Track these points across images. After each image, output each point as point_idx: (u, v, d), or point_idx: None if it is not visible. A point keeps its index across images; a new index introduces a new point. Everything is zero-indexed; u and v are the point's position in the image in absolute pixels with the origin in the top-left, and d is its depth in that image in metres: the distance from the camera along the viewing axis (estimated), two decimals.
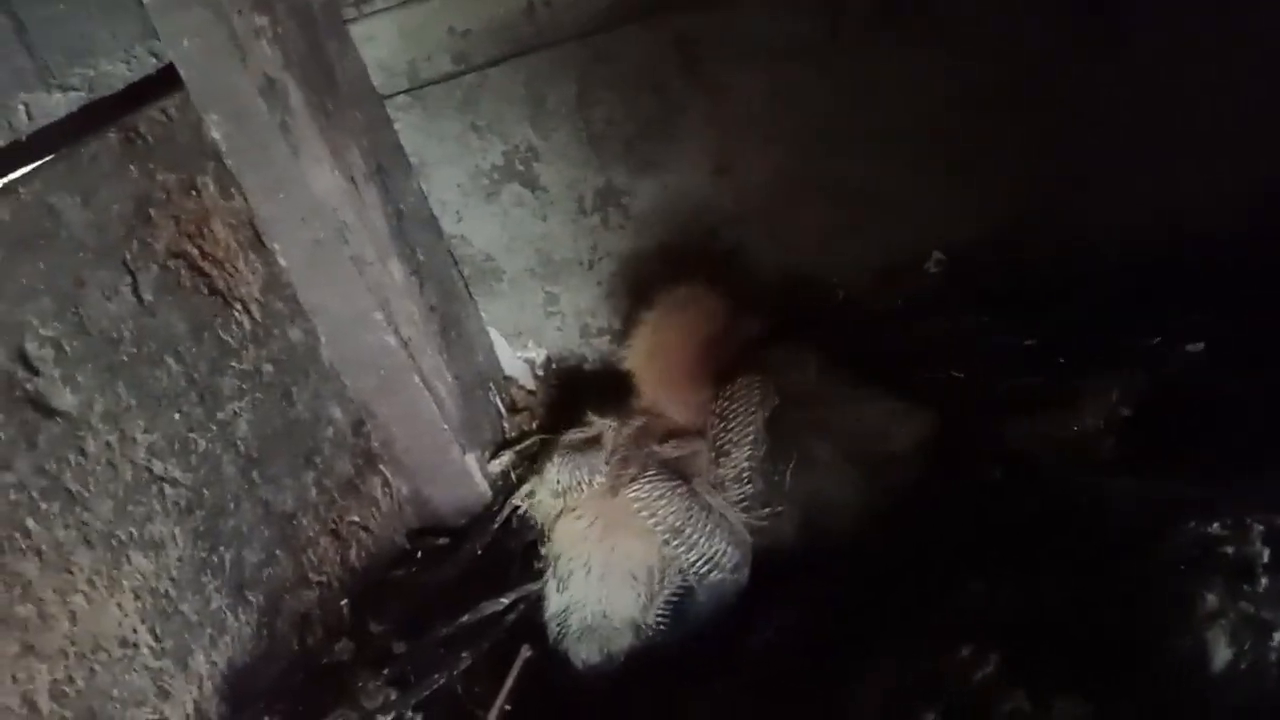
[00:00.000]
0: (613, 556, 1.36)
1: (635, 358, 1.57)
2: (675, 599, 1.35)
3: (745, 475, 1.38)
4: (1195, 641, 1.07)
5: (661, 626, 1.35)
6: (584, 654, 1.36)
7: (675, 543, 1.35)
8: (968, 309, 1.70)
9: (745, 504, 1.38)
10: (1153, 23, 1.50)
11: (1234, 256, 1.52)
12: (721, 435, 1.41)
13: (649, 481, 1.38)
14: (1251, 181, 1.56)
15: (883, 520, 1.36)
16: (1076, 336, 1.57)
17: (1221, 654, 1.06)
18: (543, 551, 1.49)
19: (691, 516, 1.36)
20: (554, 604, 1.39)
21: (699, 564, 1.34)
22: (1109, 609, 1.16)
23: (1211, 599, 1.09)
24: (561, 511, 1.45)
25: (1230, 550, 1.12)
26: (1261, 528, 1.13)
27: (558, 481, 1.47)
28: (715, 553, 1.35)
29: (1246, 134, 1.53)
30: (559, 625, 1.38)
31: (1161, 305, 1.54)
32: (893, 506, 1.37)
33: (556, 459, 1.51)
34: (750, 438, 1.39)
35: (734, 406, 1.42)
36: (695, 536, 1.35)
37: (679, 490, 1.38)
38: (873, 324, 1.75)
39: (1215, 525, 1.15)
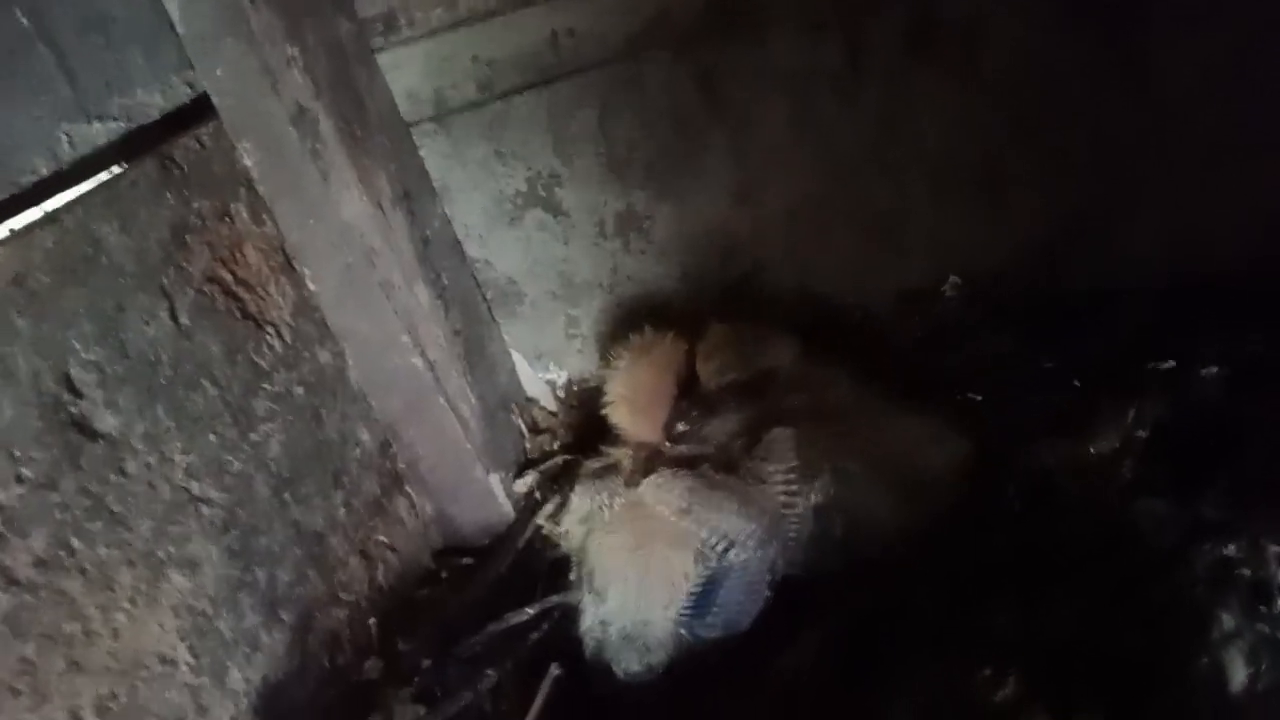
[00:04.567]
0: (650, 565, 1.38)
1: (616, 405, 1.62)
2: (699, 587, 1.36)
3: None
4: (1213, 662, 1.09)
5: (686, 615, 1.35)
6: (625, 663, 1.37)
7: (685, 523, 1.37)
8: (986, 333, 1.73)
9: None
10: (1174, 56, 1.53)
11: (1255, 280, 1.54)
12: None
13: (657, 475, 1.44)
14: (1273, 207, 1.59)
15: (914, 538, 1.38)
16: (1095, 360, 1.60)
17: (1239, 674, 1.08)
18: (573, 573, 1.52)
19: (697, 494, 1.40)
20: (590, 617, 1.41)
21: (713, 541, 1.36)
22: (1129, 629, 1.18)
23: (1228, 620, 1.11)
24: (589, 533, 1.48)
25: (1247, 573, 1.15)
26: (1277, 550, 1.15)
27: (581, 509, 1.52)
28: (730, 529, 1.36)
29: (1267, 161, 1.56)
30: (597, 638, 1.40)
31: (1183, 329, 1.56)
32: (924, 525, 1.39)
33: (578, 488, 1.56)
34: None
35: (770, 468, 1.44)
36: (704, 512, 1.38)
37: (681, 474, 1.44)
38: (892, 347, 1.78)
39: (1232, 548, 1.18)
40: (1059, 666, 1.17)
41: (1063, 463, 1.45)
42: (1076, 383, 1.57)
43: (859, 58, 1.62)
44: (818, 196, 1.74)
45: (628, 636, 1.37)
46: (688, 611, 1.36)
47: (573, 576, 1.52)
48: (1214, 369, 1.46)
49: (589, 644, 1.41)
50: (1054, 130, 1.63)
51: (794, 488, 1.40)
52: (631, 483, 1.48)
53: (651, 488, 1.44)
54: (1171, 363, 1.51)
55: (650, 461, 1.51)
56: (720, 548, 1.36)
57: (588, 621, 1.42)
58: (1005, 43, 1.57)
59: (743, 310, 1.74)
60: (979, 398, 1.62)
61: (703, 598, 1.36)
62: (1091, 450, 1.43)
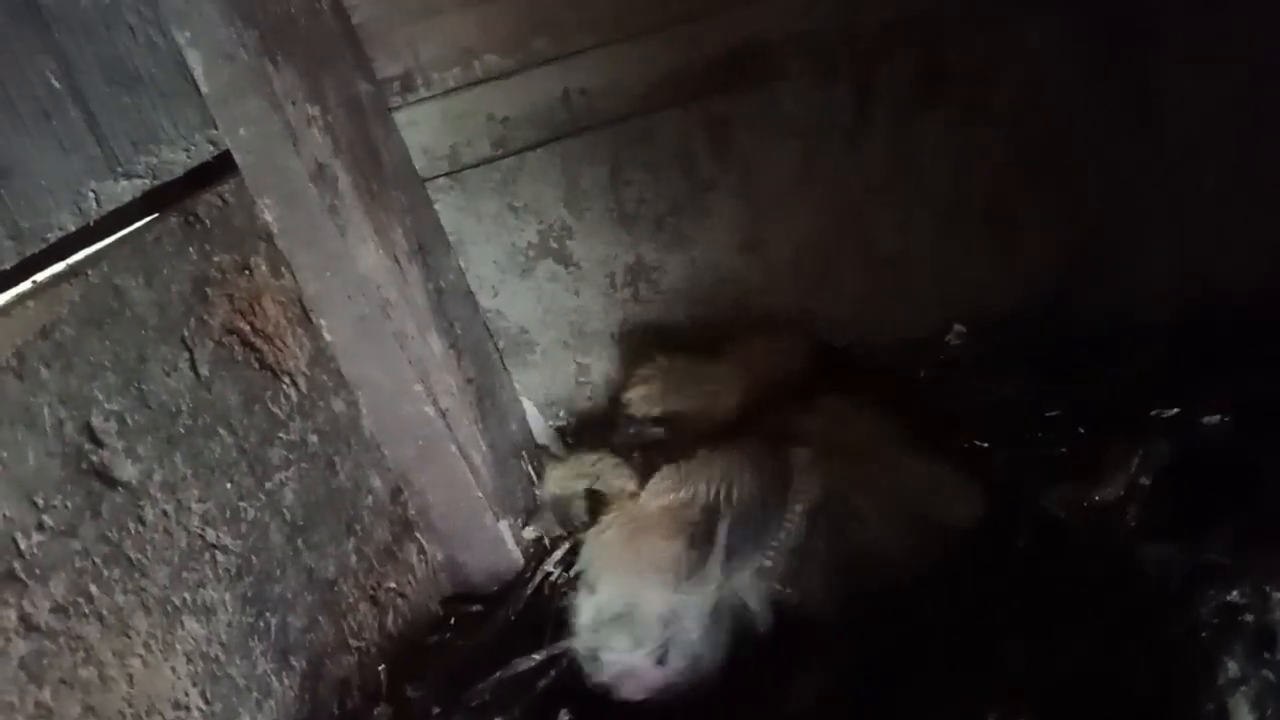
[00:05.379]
0: (640, 554, 1.40)
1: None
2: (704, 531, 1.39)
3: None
4: (1218, 707, 1.09)
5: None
6: (614, 646, 1.38)
7: (683, 493, 1.42)
8: (992, 376, 1.75)
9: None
10: (1182, 93, 1.57)
11: (1263, 317, 1.56)
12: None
13: (651, 482, 1.49)
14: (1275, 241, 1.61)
15: (922, 578, 1.39)
16: (1101, 403, 1.61)
17: None
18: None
19: (687, 462, 1.45)
20: (585, 612, 1.43)
21: (712, 491, 1.41)
22: (1135, 674, 1.19)
23: (1233, 666, 1.11)
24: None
25: (1251, 619, 1.15)
26: None
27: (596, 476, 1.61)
28: (724, 472, 1.42)
29: (1276, 197, 1.58)
30: (592, 628, 1.41)
31: (1190, 369, 1.58)
32: (932, 566, 1.40)
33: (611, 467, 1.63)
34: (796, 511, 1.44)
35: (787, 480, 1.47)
36: (698, 474, 1.43)
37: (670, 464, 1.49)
38: (899, 391, 1.79)
39: (1235, 593, 1.18)
40: (1067, 708, 1.18)
41: (1068, 510, 1.46)
42: (1081, 429, 1.58)
43: (868, 104, 1.66)
44: (826, 242, 1.78)
45: (618, 616, 1.38)
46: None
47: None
48: (1217, 417, 1.47)
49: (584, 638, 1.42)
50: (1062, 171, 1.67)
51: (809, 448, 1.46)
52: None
53: (647, 494, 1.47)
54: (1175, 409, 1.52)
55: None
56: (721, 492, 1.40)
57: (584, 617, 1.43)
58: (1013, 85, 1.62)
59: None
60: (986, 444, 1.63)
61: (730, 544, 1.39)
62: (1097, 497, 1.44)
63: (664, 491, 1.44)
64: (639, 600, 1.38)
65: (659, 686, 1.37)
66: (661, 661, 1.37)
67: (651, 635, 1.37)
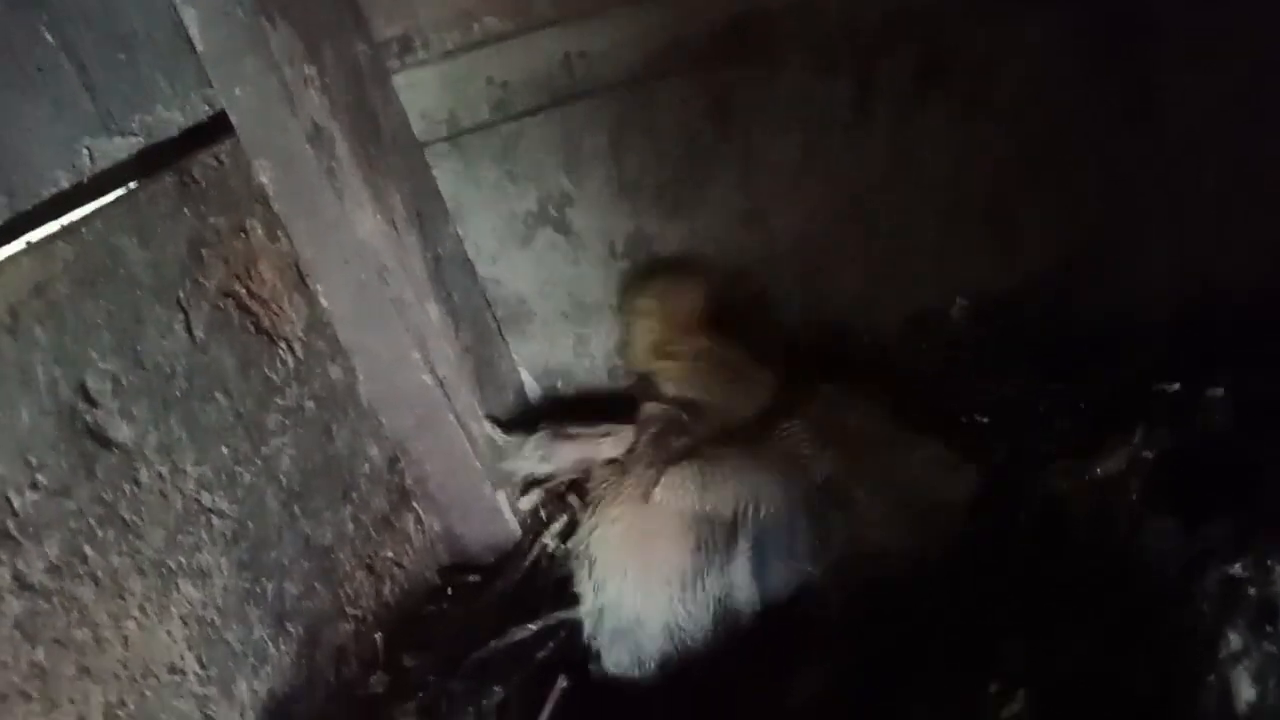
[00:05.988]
0: (649, 563, 1.39)
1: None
2: (750, 552, 1.39)
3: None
4: (1220, 681, 1.09)
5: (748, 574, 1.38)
6: (614, 657, 1.39)
7: (707, 503, 1.40)
8: (994, 359, 1.74)
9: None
10: (1184, 90, 1.56)
11: (1263, 320, 1.56)
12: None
13: (665, 476, 1.45)
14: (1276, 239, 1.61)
15: (923, 567, 1.39)
16: (1100, 404, 1.60)
17: (1246, 693, 1.08)
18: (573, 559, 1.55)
19: (708, 472, 1.43)
20: (589, 603, 1.43)
21: (742, 505, 1.39)
22: (1137, 650, 1.19)
23: (1235, 639, 1.11)
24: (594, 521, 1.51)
25: (1253, 592, 1.15)
26: None
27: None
28: (750, 488, 1.40)
29: (1276, 194, 1.57)
30: (594, 625, 1.42)
31: (1189, 372, 1.56)
32: (934, 553, 1.40)
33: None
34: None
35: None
36: (722, 485, 1.41)
37: (684, 463, 1.46)
38: (900, 373, 1.78)
39: (1238, 567, 1.18)
40: (1068, 691, 1.17)
41: (1070, 485, 1.45)
42: (1081, 427, 1.57)
43: (869, 94, 1.64)
44: (826, 224, 1.76)
45: (619, 631, 1.39)
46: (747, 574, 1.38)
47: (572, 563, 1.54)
48: (1219, 390, 1.46)
49: (587, 629, 1.43)
50: (1062, 167, 1.65)
51: (806, 442, 1.44)
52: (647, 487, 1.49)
53: (663, 489, 1.44)
54: (1177, 385, 1.52)
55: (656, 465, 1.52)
56: (750, 509, 1.39)
57: (587, 605, 1.43)
58: (1014, 80, 1.60)
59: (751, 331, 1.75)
60: (985, 420, 1.62)
61: (758, 559, 1.38)
62: (1099, 471, 1.44)
63: (683, 495, 1.42)
64: (644, 615, 1.38)
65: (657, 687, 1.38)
66: (663, 669, 1.37)
67: (654, 651, 1.38)
